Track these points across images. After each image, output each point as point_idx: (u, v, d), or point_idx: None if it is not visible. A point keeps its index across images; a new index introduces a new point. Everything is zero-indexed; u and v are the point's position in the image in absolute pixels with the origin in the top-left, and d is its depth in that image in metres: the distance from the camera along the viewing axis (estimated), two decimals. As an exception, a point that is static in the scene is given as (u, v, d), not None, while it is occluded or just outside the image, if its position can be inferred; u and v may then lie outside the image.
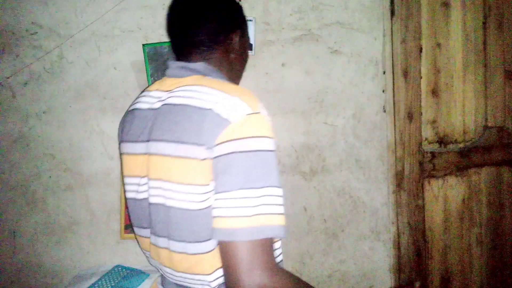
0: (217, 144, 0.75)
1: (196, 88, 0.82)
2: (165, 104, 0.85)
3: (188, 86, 0.85)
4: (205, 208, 0.78)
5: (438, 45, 1.91)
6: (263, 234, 0.72)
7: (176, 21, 0.95)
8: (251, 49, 1.77)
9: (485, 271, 2.01)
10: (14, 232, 1.72)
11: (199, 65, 0.90)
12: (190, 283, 0.87)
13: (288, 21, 1.80)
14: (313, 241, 1.87)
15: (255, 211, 0.72)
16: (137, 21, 1.71)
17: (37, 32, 1.67)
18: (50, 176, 1.72)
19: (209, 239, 0.80)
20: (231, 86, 0.83)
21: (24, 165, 1.71)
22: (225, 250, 0.73)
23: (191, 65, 0.91)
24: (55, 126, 1.71)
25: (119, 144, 0.98)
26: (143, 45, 1.69)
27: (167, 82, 0.92)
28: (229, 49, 0.95)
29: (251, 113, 0.76)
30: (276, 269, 0.74)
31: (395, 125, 1.89)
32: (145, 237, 0.94)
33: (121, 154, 0.96)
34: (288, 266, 1.87)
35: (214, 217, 0.76)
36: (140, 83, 1.72)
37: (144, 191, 0.88)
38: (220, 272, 0.83)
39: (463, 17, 1.92)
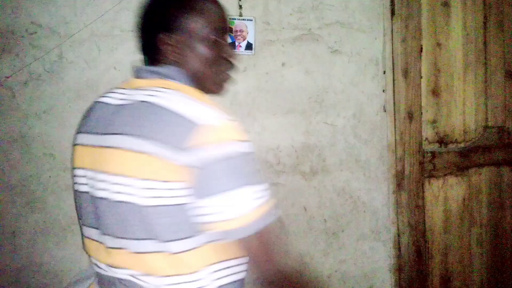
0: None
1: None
2: (130, 101, 0.81)
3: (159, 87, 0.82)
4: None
5: (439, 44, 1.90)
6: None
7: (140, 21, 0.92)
8: (251, 49, 1.77)
9: (485, 271, 2.01)
10: (14, 232, 1.72)
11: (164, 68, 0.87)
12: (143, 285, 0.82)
13: (288, 21, 1.80)
14: (313, 241, 1.87)
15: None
16: (137, 21, 1.71)
17: (36, 32, 1.67)
18: (50, 176, 1.72)
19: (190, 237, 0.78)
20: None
21: (24, 165, 1.71)
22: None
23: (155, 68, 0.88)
24: (55, 126, 1.71)
25: (76, 134, 0.93)
26: (143, 45, 1.69)
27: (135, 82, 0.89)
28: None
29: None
30: None
31: (395, 125, 1.89)
32: (91, 238, 0.90)
33: (74, 145, 0.91)
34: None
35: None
36: (140, 83, 1.72)
37: (96, 187, 0.83)
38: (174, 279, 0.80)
39: (463, 16, 1.91)
